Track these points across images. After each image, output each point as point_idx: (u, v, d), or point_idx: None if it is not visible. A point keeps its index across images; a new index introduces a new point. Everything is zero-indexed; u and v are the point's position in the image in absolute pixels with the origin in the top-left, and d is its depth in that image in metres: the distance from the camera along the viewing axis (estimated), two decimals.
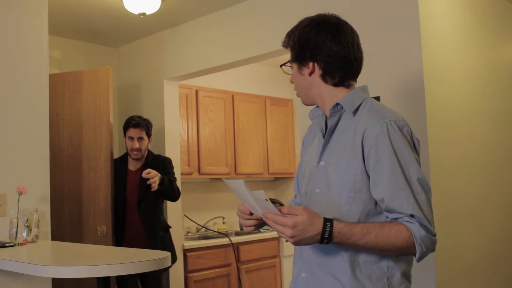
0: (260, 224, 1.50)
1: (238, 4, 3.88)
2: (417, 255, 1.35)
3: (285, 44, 1.57)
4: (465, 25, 3.30)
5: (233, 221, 5.34)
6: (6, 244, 2.57)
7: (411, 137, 1.44)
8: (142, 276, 3.59)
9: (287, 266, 5.00)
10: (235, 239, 4.55)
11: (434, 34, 2.95)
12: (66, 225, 3.74)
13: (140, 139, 3.62)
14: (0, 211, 2.78)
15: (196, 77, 4.49)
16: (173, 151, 4.36)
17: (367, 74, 2.95)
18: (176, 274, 4.14)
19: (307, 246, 1.48)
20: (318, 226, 1.30)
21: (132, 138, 3.62)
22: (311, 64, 1.50)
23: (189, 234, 4.89)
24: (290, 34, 1.55)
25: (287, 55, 1.62)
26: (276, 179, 5.88)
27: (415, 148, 1.44)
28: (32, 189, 2.84)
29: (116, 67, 4.88)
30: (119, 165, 3.74)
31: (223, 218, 5.24)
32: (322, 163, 1.50)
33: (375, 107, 1.47)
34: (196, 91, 4.82)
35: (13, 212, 2.69)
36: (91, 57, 4.72)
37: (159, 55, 4.48)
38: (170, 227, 3.77)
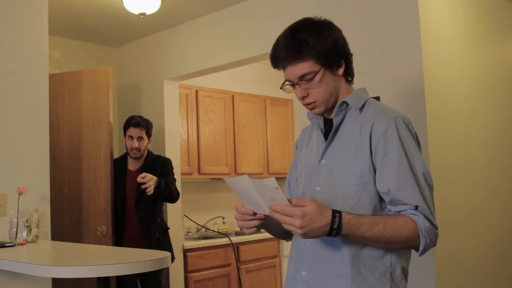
0: (262, 224, 1.48)
1: (238, 4, 3.88)
2: (421, 247, 1.37)
3: (304, 56, 1.44)
4: (466, 26, 3.29)
5: (233, 221, 5.34)
6: (6, 244, 2.57)
7: (416, 135, 1.48)
8: (141, 276, 3.59)
9: (287, 266, 4.99)
10: (235, 239, 4.55)
11: (434, 34, 2.94)
12: (66, 225, 3.74)
13: (140, 138, 3.62)
14: (0, 211, 2.78)
15: (196, 77, 4.49)
16: (173, 151, 4.36)
17: (367, 74, 2.97)
18: (176, 274, 4.14)
19: (308, 244, 1.48)
20: (327, 216, 1.28)
21: (132, 137, 3.61)
22: (342, 62, 1.50)
23: (189, 234, 4.89)
24: (303, 44, 1.43)
25: None
26: (276, 179, 5.86)
27: (418, 146, 1.47)
28: (32, 189, 2.84)
29: (116, 67, 4.88)
30: (119, 165, 3.74)
31: (223, 218, 5.24)
32: (323, 161, 1.51)
33: (380, 105, 1.53)
34: (196, 91, 4.82)
35: (13, 212, 2.69)
36: (91, 57, 4.72)
37: (159, 55, 4.48)
38: (168, 228, 3.77)
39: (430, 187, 1.41)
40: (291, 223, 1.27)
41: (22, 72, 2.97)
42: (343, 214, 1.30)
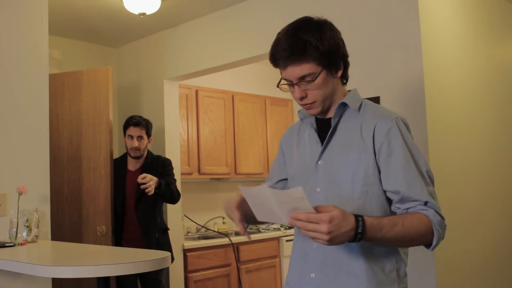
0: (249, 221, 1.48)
1: (238, 4, 3.87)
2: (435, 241, 1.38)
3: (307, 57, 1.42)
4: (466, 27, 3.28)
5: (233, 221, 5.34)
6: (6, 244, 2.57)
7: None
8: (141, 276, 3.59)
9: (287, 266, 4.99)
10: (235, 239, 4.54)
11: (434, 36, 2.93)
12: (66, 225, 3.74)
13: (140, 138, 3.62)
14: (0, 211, 2.78)
15: (196, 77, 4.49)
16: (173, 151, 4.36)
17: (367, 76, 2.96)
18: (176, 274, 4.14)
19: (314, 246, 1.48)
20: (351, 221, 1.26)
21: (131, 137, 3.61)
22: (341, 64, 1.50)
23: (189, 234, 4.89)
24: (306, 44, 1.41)
25: None
26: None
27: None
28: (32, 189, 2.84)
29: (116, 67, 4.88)
30: (119, 165, 3.73)
31: (223, 218, 5.24)
32: (321, 162, 1.50)
33: (376, 106, 1.54)
34: (196, 91, 4.82)
35: (13, 212, 2.69)
36: (91, 57, 4.72)
37: (159, 55, 4.48)
38: (168, 228, 3.76)
39: (433, 184, 1.45)
40: (317, 229, 1.23)
41: (22, 72, 2.97)
42: (365, 217, 1.29)
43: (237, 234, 4.97)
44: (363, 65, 2.98)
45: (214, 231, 4.70)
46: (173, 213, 4.26)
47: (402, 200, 1.41)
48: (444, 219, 1.41)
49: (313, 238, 1.26)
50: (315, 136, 1.55)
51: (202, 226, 4.70)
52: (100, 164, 3.69)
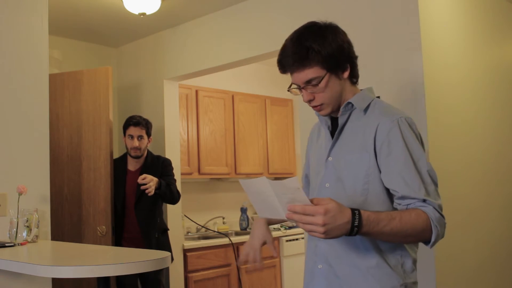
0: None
1: (238, 4, 3.87)
2: (433, 238, 1.39)
3: (310, 62, 1.47)
4: (466, 27, 3.28)
5: (233, 221, 5.34)
6: (6, 244, 2.57)
7: (419, 134, 1.53)
8: (141, 276, 3.59)
9: (287, 266, 5.00)
10: (235, 239, 4.54)
11: (434, 36, 2.93)
12: (66, 225, 3.75)
13: (140, 137, 3.62)
14: (0, 211, 2.78)
15: (196, 77, 4.49)
16: (173, 151, 4.36)
17: (367, 76, 2.95)
18: (176, 274, 4.14)
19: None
20: (347, 214, 1.28)
21: (132, 137, 3.62)
22: (348, 65, 1.54)
23: (189, 234, 4.89)
24: (309, 50, 1.46)
25: None
26: (276, 179, 5.88)
27: (422, 145, 1.52)
28: (32, 189, 2.84)
29: (116, 67, 4.88)
30: (119, 165, 3.74)
31: (223, 218, 5.24)
32: (330, 158, 1.57)
33: (384, 106, 1.57)
34: (196, 91, 4.82)
35: (13, 212, 2.69)
36: (91, 57, 4.72)
37: (159, 55, 4.48)
38: (168, 229, 3.77)
39: (435, 184, 1.45)
40: (313, 221, 1.24)
41: (22, 72, 2.97)
42: (362, 211, 1.31)
43: (237, 234, 4.97)
44: (362, 65, 2.97)
45: (214, 231, 4.70)
46: (173, 213, 4.26)
47: (401, 198, 1.44)
48: (444, 217, 1.42)
49: (309, 231, 1.27)
50: (328, 133, 1.62)
51: (202, 226, 4.70)
52: (100, 164, 3.69)
